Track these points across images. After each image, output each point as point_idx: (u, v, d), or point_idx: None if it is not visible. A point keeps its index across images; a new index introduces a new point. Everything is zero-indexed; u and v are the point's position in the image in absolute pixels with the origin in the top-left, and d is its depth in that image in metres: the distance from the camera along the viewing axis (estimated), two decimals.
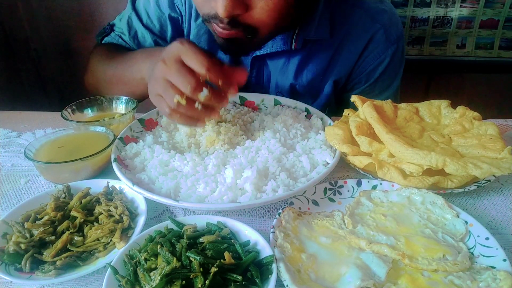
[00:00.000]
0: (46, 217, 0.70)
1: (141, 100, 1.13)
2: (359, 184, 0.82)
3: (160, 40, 1.27)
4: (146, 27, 1.25)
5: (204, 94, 0.78)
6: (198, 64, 0.78)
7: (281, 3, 0.87)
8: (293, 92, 1.22)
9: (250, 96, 1.15)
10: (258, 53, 1.15)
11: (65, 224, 0.69)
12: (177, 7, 1.21)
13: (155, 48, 1.19)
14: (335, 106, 1.27)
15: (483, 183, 0.79)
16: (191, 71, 0.79)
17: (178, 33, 1.27)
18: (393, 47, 1.15)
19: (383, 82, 1.21)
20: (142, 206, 0.75)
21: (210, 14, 0.89)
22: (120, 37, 1.28)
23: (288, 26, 1.03)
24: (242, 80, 0.83)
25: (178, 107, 0.80)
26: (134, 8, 1.25)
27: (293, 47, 1.10)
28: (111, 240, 0.68)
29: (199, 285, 0.54)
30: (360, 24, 1.12)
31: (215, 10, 0.85)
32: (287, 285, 0.57)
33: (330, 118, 1.02)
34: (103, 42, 1.31)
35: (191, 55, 0.78)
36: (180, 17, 1.23)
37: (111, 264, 0.60)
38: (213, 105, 0.82)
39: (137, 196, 0.77)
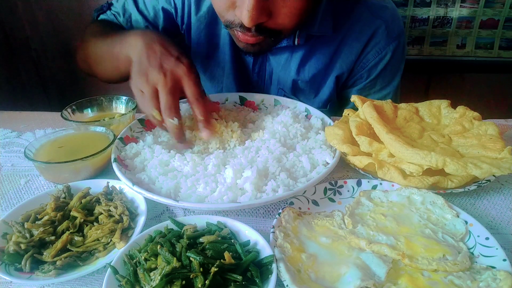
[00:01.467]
0: (46, 217, 0.70)
1: (125, 80, 1.08)
2: (359, 184, 0.82)
3: (152, 28, 1.27)
4: (140, 12, 1.24)
5: (172, 121, 0.85)
6: (193, 94, 0.87)
7: (303, 8, 0.90)
8: (295, 88, 1.23)
9: (250, 96, 1.15)
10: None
11: (65, 224, 0.69)
12: (173, 0, 1.21)
13: (149, 30, 1.19)
14: (337, 102, 1.27)
15: (483, 183, 0.79)
16: (178, 97, 0.86)
17: (171, 25, 1.27)
18: (395, 43, 1.16)
19: (384, 78, 1.22)
20: (142, 206, 0.75)
21: (235, 23, 0.92)
22: (115, 17, 1.28)
23: (303, 26, 1.06)
24: (215, 109, 0.98)
25: (151, 117, 0.87)
26: None
27: (296, 42, 1.11)
28: (111, 240, 0.68)
29: (199, 285, 0.54)
30: (362, 20, 1.13)
31: (240, 19, 0.88)
32: (287, 285, 0.57)
33: (330, 118, 1.02)
34: (98, 19, 1.31)
35: (192, 85, 0.87)
36: (174, 10, 1.23)
37: (111, 264, 0.60)
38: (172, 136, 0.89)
39: (137, 196, 0.77)
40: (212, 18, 1.20)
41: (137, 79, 0.88)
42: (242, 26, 0.90)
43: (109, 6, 1.29)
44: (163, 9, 1.23)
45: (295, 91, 1.23)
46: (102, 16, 1.30)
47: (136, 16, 1.25)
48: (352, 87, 1.24)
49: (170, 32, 1.30)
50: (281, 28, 0.93)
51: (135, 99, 0.92)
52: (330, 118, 1.02)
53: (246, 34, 0.94)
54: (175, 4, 1.22)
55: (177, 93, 0.86)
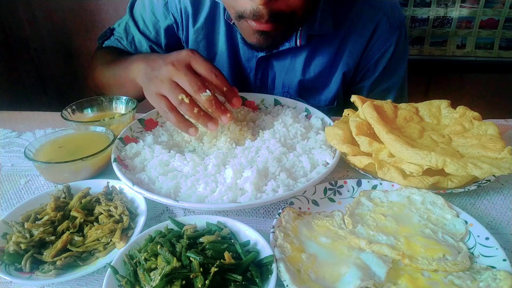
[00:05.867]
0: (46, 217, 0.70)
1: (139, 100, 1.14)
2: (359, 184, 0.82)
3: (156, 46, 1.29)
4: (142, 33, 1.27)
5: (206, 94, 0.84)
6: (207, 69, 0.86)
7: None
8: (301, 89, 1.23)
9: (250, 96, 1.15)
10: (263, 53, 1.16)
11: (65, 224, 0.69)
12: (172, 14, 1.23)
13: (151, 53, 1.23)
14: (344, 99, 1.27)
15: (483, 183, 0.79)
16: (198, 75, 0.86)
17: (173, 40, 1.29)
18: (397, 33, 1.18)
19: (391, 67, 1.23)
20: (142, 206, 0.75)
21: (247, 12, 0.89)
22: (119, 41, 1.31)
23: (312, 11, 1.05)
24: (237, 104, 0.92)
25: (180, 106, 0.85)
26: (132, 15, 1.28)
27: (298, 43, 1.11)
28: (111, 240, 0.68)
29: (199, 285, 0.54)
30: (363, 14, 1.14)
31: (251, 4, 0.85)
32: (287, 285, 0.56)
33: (330, 118, 1.02)
34: (103, 45, 1.34)
35: (201, 62, 0.87)
36: (175, 25, 1.25)
37: (111, 264, 0.60)
38: (212, 112, 0.87)
39: (137, 196, 0.77)
40: (209, 29, 1.21)
41: (151, 87, 0.90)
42: (255, 14, 0.87)
43: (112, 31, 1.32)
44: (164, 25, 1.25)
45: (301, 92, 1.23)
46: (106, 43, 1.33)
47: (139, 38, 1.28)
48: (362, 82, 1.25)
49: (173, 48, 1.32)
50: (294, 8, 0.90)
51: (158, 111, 0.94)
52: (330, 118, 1.02)
53: (260, 22, 0.90)
54: (174, 18, 1.23)
55: (195, 73, 0.86)
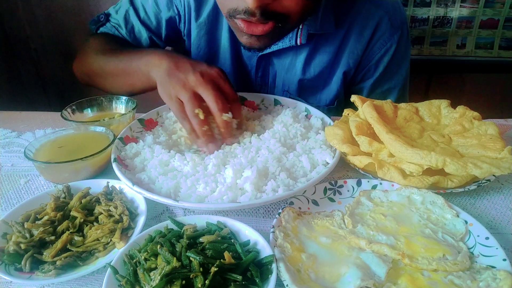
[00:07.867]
0: (46, 217, 0.70)
1: (137, 93, 1.11)
2: (359, 184, 0.82)
3: (155, 37, 1.27)
4: (143, 23, 1.24)
5: (227, 115, 0.86)
6: (231, 93, 0.88)
7: None
8: (301, 88, 1.22)
9: (250, 96, 1.15)
10: (264, 51, 1.15)
11: (65, 224, 0.69)
12: (176, 6, 1.21)
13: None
14: (344, 99, 1.26)
15: (483, 183, 0.79)
16: (222, 95, 0.87)
17: (173, 32, 1.27)
18: (398, 33, 1.16)
19: (392, 67, 1.22)
20: (142, 206, 0.75)
21: (239, 9, 0.87)
22: (116, 29, 1.26)
23: (311, 12, 1.04)
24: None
25: (192, 118, 0.86)
26: (132, 3, 1.24)
27: (298, 42, 1.11)
28: (111, 240, 0.68)
29: (199, 285, 0.54)
30: (364, 13, 1.13)
31: (244, 3, 0.84)
32: (287, 285, 0.57)
33: (330, 118, 1.02)
34: (98, 31, 1.29)
35: (228, 86, 0.90)
36: (177, 17, 1.23)
37: (111, 264, 0.60)
38: (221, 134, 0.90)
39: (137, 196, 0.77)
40: (212, 24, 1.20)
41: (171, 88, 0.89)
42: (246, 12, 0.85)
43: (107, 17, 1.27)
44: (166, 16, 1.23)
45: (301, 91, 1.22)
46: (102, 29, 1.28)
47: (138, 27, 1.25)
48: (362, 82, 1.24)
49: (173, 40, 1.30)
50: (288, 11, 0.89)
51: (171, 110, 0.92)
52: (330, 118, 1.02)
53: (251, 22, 0.89)
54: (178, 10, 1.22)
55: (220, 92, 0.87)
